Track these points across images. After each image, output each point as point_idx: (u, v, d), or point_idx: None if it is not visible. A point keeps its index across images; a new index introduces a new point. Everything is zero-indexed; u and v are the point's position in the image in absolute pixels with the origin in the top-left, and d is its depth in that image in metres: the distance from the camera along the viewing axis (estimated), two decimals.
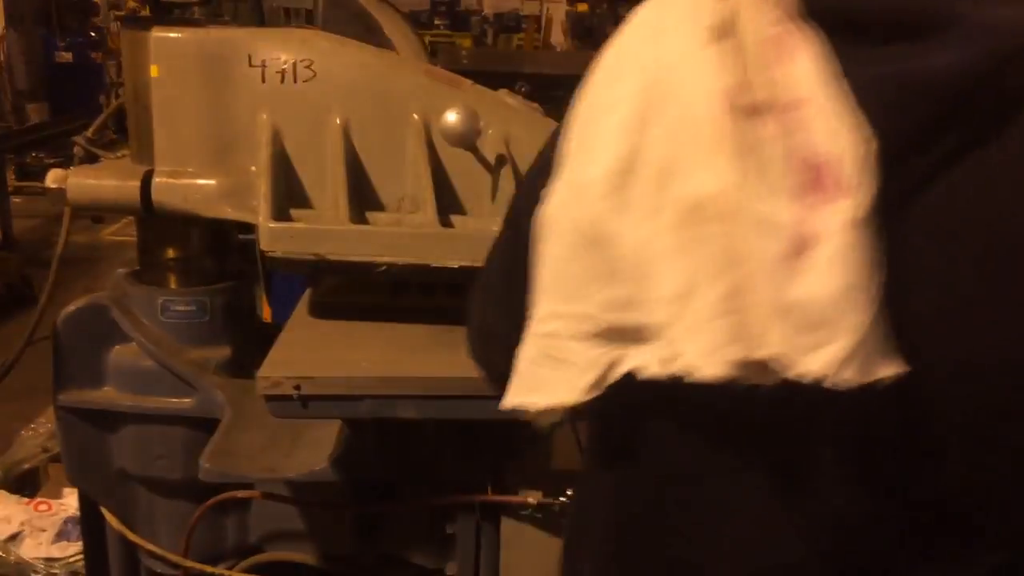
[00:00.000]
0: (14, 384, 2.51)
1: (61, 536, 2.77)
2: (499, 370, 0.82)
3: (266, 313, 2.90)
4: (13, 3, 10.15)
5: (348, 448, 1.48)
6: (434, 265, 1.48)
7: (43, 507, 2.87)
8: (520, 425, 1.45)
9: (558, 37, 9.81)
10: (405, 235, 1.50)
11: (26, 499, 2.94)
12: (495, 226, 1.61)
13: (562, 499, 1.46)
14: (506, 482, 1.50)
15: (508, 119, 1.66)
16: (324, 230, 1.49)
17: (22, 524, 2.81)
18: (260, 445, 1.56)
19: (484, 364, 1.00)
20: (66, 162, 1.78)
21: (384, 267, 1.47)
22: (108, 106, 1.81)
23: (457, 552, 1.55)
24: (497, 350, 0.89)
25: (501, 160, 1.63)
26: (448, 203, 1.61)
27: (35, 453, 3.17)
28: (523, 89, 1.85)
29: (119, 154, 1.74)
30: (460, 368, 1.34)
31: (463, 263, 1.48)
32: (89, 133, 1.72)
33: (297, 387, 1.30)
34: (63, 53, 10.36)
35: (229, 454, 1.51)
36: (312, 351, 1.40)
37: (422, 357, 1.39)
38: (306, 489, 1.59)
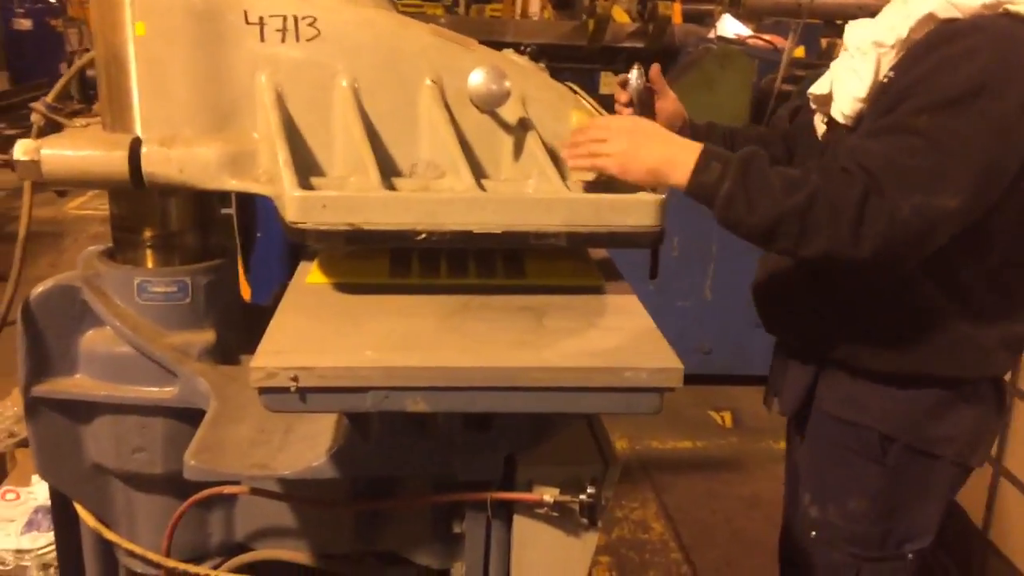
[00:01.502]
0: None
1: (31, 526, 2.62)
2: None
3: (244, 291, 2.77)
4: None
5: (348, 442, 1.35)
6: (476, 231, 1.37)
7: (11, 496, 2.73)
8: (535, 417, 1.35)
9: (534, 7, 9.62)
10: (447, 200, 1.39)
11: None
12: (528, 188, 1.55)
13: (581, 497, 1.34)
14: (519, 478, 1.38)
15: (523, 79, 1.55)
16: (360, 197, 1.37)
17: None
18: (249, 439, 1.43)
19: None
20: (26, 133, 1.63)
21: (424, 235, 1.37)
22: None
23: (465, 552, 1.44)
24: None
25: (523, 122, 1.53)
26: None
27: (1, 438, 3.01)
28: (528, 50, 1.72)
29: (83, 122, 1.59)
30: (475, 357, 1.23)
31: (506, 228, 1.38)
32: (49, 99, 1.57)
33: (295, 379, 1.17)
34: (21, 20, 10.01)
35: (216, 449, 1.38)
36: (309, 338, 1.27)
37: (432, 344, 1.26)
38: (300, 485, 1.47)
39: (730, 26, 5.53)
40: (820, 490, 1.76)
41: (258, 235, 2.24)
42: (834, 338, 1.66)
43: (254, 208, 2.05)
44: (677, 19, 6.25)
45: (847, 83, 1.58)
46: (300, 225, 1.36)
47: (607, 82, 5.35)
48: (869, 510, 1.70)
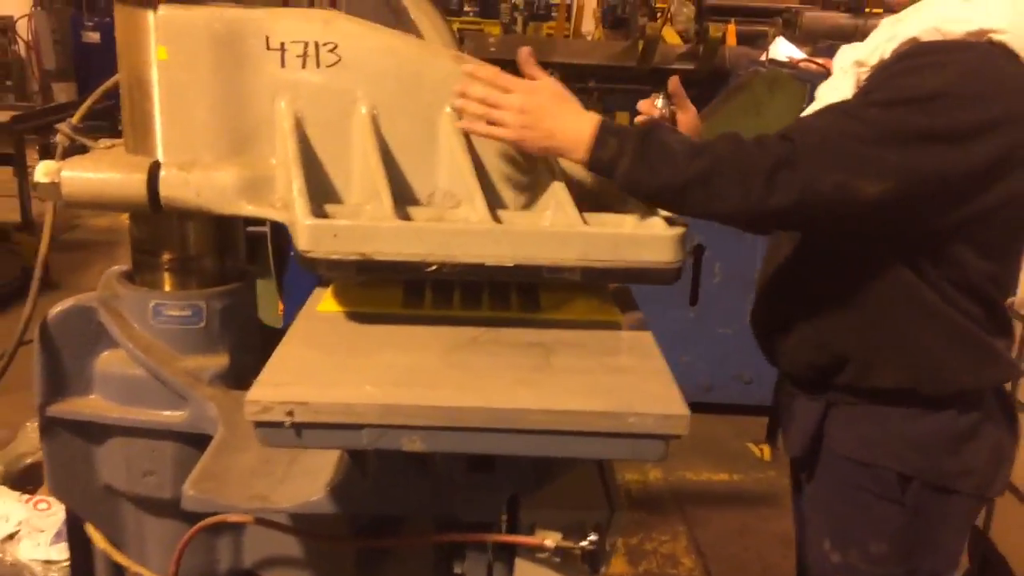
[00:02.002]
0: (23, 372, 2.39)
1: (60, 537, 2.64)
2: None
3: (278, 309, 2.78)
4: None
5: (347, 478, 1.33)
6: (489, 264, 1.35)
7: (43, 505, 2.76)
8: (540, 458, 1.31)
9: (589, 26, 9.62)
10: (459, 232, 1.38)
11: (26, 496, 2.83)
12: (544, 220, 1.52)
13: (583, 544, 1.30)
14: (522, 520, 1.35)
15: None
16: (371, 227, 1.36)
17: (20, 523, 2.70)
18: (252, 469, 1.42)
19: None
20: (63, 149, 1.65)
21: (435, 267, 1.35)
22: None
23: None
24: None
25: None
26: (485, 197, 1.48)
27: (38, 447, 3.06)
28: (553, 76, 1.69)
29: (108, 144, 1.60)
30: (474, 396, 1.20)
31: (519, 261, 1.36)
32: (74, 120, 1.58)
33: (290, 413, 1.15)
34: (90, 33, 10.29)
35: (217, 479, 1.37)
36: (309, 372, 1.25)
37: (433, 381, 1.24)
38: (303, 518, 1.45)
39: (783, 48, 5.43)
40: (840, 534, 1.69)
41: (291, 253, 2.25)
42: (840, 360, 1.60)
43: (285, 233, 2.04)
44: (731, 40, 6.18)
45: (826, 101, 1.55)
46: (311, 254, 1.35)
47: None
48: (892, 551, 1.63)
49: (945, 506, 1.60)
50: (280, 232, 1.96)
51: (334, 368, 1.27)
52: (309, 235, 1.34)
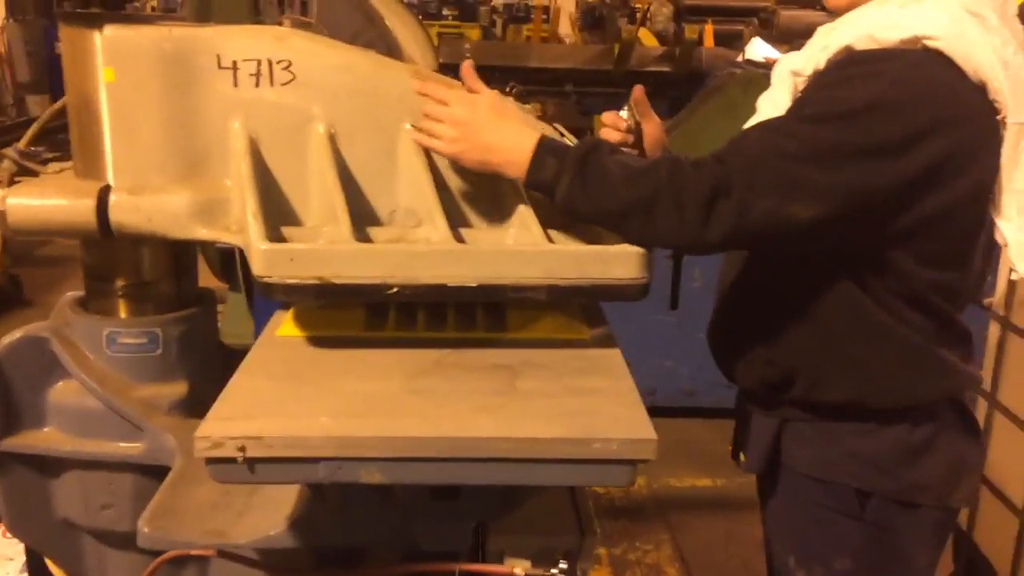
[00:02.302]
0: None
1: None
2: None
3: (248, 326, 2.72)
4: None
5: (308, 510, 1.29)
6: (451, 285, 1.31)
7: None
8: (505, 486, 1.27)
9: (566, 28, 9.59)
10: (420, 253, 1.34)
11: None
12: (508, 239, 1.49)
13: (553, 571, 1.26)
14: (490, 548, 1.31)
15: None
16: (329, 250, 1.32)
17: None
18: (210, 502, 1.38)
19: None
20: (65, 156, 1.60)
21: (396, 289, 1.30)
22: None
23: None
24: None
25: None
26: (447, 215, 1.45)
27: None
28: (514, 90, 1.66)
29: (57, 169, 1.55)
30: (434, 426, 1.16)
31: (482, 281, 1.32)
32: (22, 145, 1.53)
33: (242, 449, 1.11)
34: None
35: (173, 514, 1.33)
36: (263, 404, 1.21)
37: (392, 410, 1.19)
38: (264, 551, 1.40)
39: (760, 49, 5.42)
40: (804, 551, 1.67)
41: None
42: (789, 376, 1.57)
43: None
44: (709, 41, 6.15)
45: (764, 112, 1.53)
46: (267, 279, 1.30)
47: None
48: (857, 567, 1.60)
49: (909, 519, 1.58)
50: None
51: (289, 399, 1.22)
52: (264, 260, 1.30)
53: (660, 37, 6.32)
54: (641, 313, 3.81)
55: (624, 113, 1.63)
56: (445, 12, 11.59)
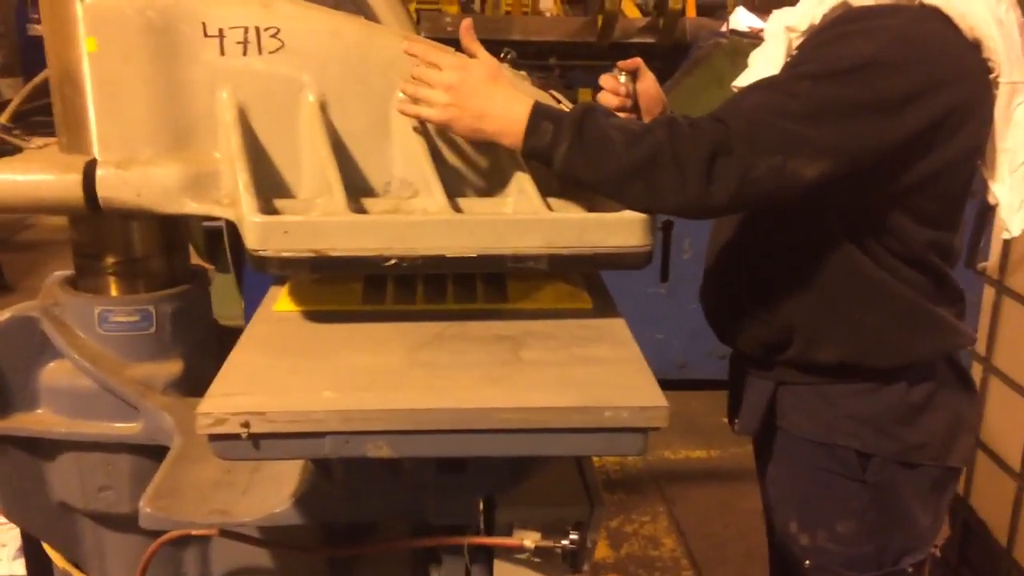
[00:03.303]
0: None
1: (22, 552, 2.55)
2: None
3: (238, 306, 2.69)
4: None
5: (313, 486, 1.27)
6: (450, 256, 1.28)
7: (3, 519, 2.66)
8: (513, 458, 1.25)
9: (547, 2, 9.51)
10: (417, 224, 1.30)
11: None
12: (506, 208, 1.46)
13: (563, 542, 1.25)
14: (499, 520, 1.29)
15: None
16: (324, 222, 1.29)
17: None
18: (213, 480, 1.35)
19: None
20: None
21: (393, 261, 1.27)
22: None
23: None
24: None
25: None
26: (444, 185, 1.42)
27: None
28: (509, 56, 1.62)
29: (41, 143, 1.51)
30: (441, 397, 1.14)
31: (482, 251, 1.29)
32: (3, 119, 1.48)
33: (245, 424, 1.08)
34: (37, 26, 10.01)
35: (174, 494, 1.30)
36: (265, 379, 1.18)
37: (397, 383, 1.17)
38: (269, 529, 1.38)
39: (743, 19, 5.38)
40: (805, 516, 1.67)
41: None
42: (785, 335, 1.56)
43: None
44: (691, 12, 6.11)
45: (758, 69, 1.53)
46: (260, 252, 1.27)
47: None
48: (859, 529, 1.60)
49: (909, 479, 1.59)
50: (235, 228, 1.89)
51: (291, 374, 1.20)
52: (258, 233, 1.27)
53: (642, 8, 6.28)
54: (631, 285, 3.80)
55: (623, 77, 1.60)
56: None
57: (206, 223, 1.74)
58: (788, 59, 1.51)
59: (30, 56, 10.08)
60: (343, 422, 1.10)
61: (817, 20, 1.47)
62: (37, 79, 1.54)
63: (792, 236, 1.50)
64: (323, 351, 1.27)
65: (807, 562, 1.66)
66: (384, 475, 1.27)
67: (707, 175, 1.29)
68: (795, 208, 1.41)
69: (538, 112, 1.36)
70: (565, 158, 1.33)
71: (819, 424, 1.59)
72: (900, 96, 1.31)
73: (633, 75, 1.62)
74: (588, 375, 1.21)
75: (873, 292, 1.47)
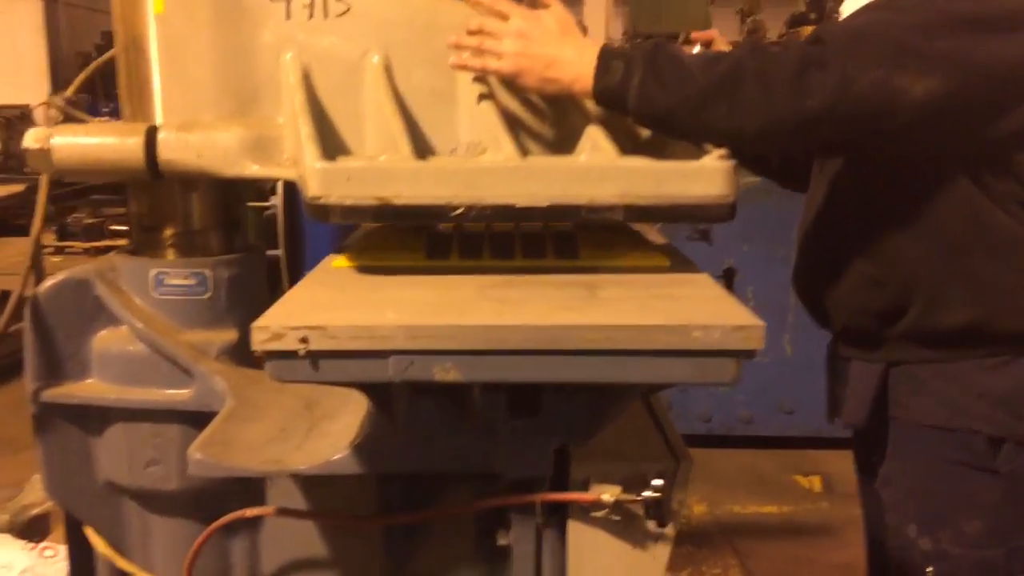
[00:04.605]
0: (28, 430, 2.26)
1: None
2: None
3: None
4: (59, 68, 10.28)
5: (374, 432, 1.17)
6: (519, 205, 1.21)
7: (49, 552, 2.59)
8: (590, 401, 1.14)
9: None
10: (486, 170, 1.24)
11: (32, 544, 2.65)
12: (578, 161, 1.38)
13: (646, 494, 1.13)
14: (574, 476, 1.18)
15: None
16: (389, 168, 1.23)
17: (24, 571, 2.52)
18: (267, 436, 1.27)
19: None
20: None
21: (461, 210, 1.20)
22: None
23: (513, 569, 1.22)
24: None
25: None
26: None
27: (45, 498, 2.89)
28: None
29: (105, 119, 1.49)
30: (512, 317, 1.05)
31: (554, 200, 1.21)
32: (69, 93, 1.47)
33: (304, 340, 1.00)
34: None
35: (226, 444, 1.21)
36: (326, 304, 1.11)
37: (466, 310, 1.09)
38: (325, 494, 1.28)
39: None
40: (928, 516, 1.49)
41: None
42: (901, 297, 1.42)
43: (299, 209, 1.92)
44: None
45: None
46: (322, 200, 1.21)
47: None
48: (989, 529, 1.43)
49: None
50: (292, 215, 1.85)
51: (353, 302, 1.12)
52: (321, 179, 1.21)
53: None
54: None
55: (697, 49, 1.57)
56: None
57: (266, 211, 1.71)
58: None
59: None
60: (409, 339, 1.01)
61: None
62: (105, 56, 1.54)
63: (902, 181, 1.38)
64: (387, 289, 1.19)
65: (929, 569, 1.49)
66: (450, 419, 1.17)
67: (797, 89, 1.20)
68: (910, 146, 1.31)
69: (607, 52, 1.30)
70: (639, 91, 1.26)
71: (940, 406, 1.43)
72: (1014, 14, 1.23)
73: (707, 46, 1.57)
74: (673, 304, 1.12)
75: (1002, 242, 1.35)
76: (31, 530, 2.84)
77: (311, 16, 1.42)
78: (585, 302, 1.13)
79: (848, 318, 1.52)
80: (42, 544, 2.63)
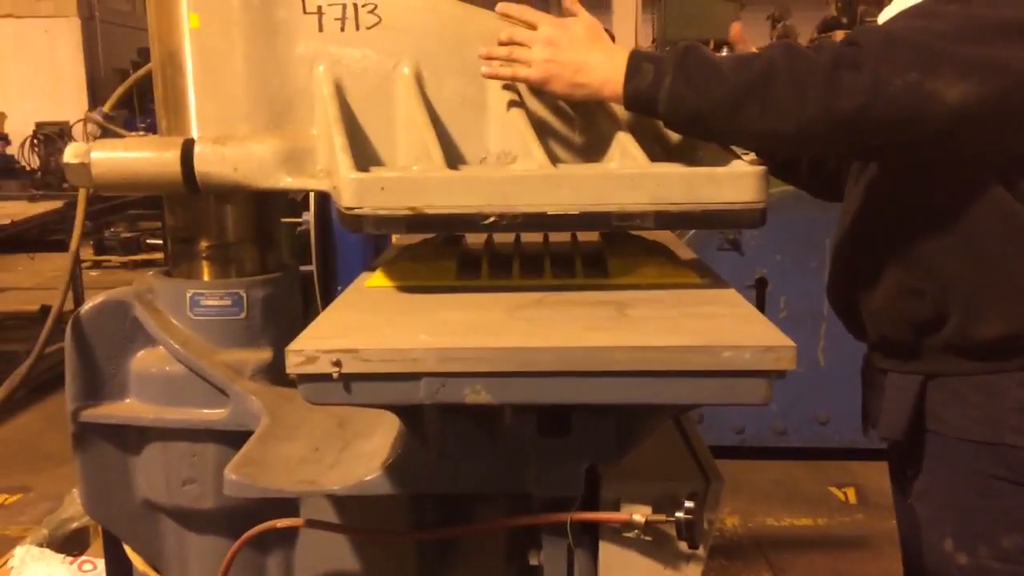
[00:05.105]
0: (67, 445, 2.29)
1: None
2: None
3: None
4: (96, 86, 10.48)
5: (406, 453, 1.18)
6: (551, 213, 1.22)
7: (87, 566, 2.62)
8: (621, 421, 1.14)
9: None
10: (517, 179, 1.25)
11: (71, 558, 2.69)
12: (609, 166, 1.38)
13: (678, 514, 1.13)
14: (604, 496, 1.18)
15: None
16: (422, 178, 1.25)
17: None
18: (300, 456, 1.28)
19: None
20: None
21: (493, 218, 1.22)
22: None
23: None
24: None
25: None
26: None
27: (84, 512, 2.94)
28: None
29: (142, 134, 1.52)
30: (542, 339, 1.05)
31: (584, 208, 1.22)
32: (106, 108, 1.51)
33: (337, 363, 1.02)
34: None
35: (260, 464, 1.23)
36: (359, 326, 1.12)
37: (497, 331, 1.10)
38: (357, 513, 1.29)
39: None
40: (965, 531, 1.46)
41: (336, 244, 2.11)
42: (940, 307, 1.40)
43: (331, 224, 1.94)
44: None
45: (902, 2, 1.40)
46: (356, 211, 1.23)
47: None
48: None
49: None
50: (325, 230, 1.87)
51: (385, 324, 1.13)
52: (354, 189, 1.23)
53: None
54: None
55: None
56: None
57: (299, 227, 1.73)
58: None
59: None
60: (440, 362, 1.02)
61: None
62: (141, 71, 1.57)
63: (938, 189, 1.36)
64: (419, 310, 1.20)
65: None
66: (481, 440, 1.18)
67: (830, 89, 1.19)
68: (943, 152, 1.29)
69: (637, 55, 1.30)
70: (670, 93, 1.25)
71: (980, 421, 1.41)
72: None
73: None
74: (703, 324, 1.12)
75: None
76: (70, 543, 2.88)
77: (343, 28, 1.44)
78: (615, 322, 1.13)
79: (885, 329, 1.50)
80: (81, 558, 2.67)
